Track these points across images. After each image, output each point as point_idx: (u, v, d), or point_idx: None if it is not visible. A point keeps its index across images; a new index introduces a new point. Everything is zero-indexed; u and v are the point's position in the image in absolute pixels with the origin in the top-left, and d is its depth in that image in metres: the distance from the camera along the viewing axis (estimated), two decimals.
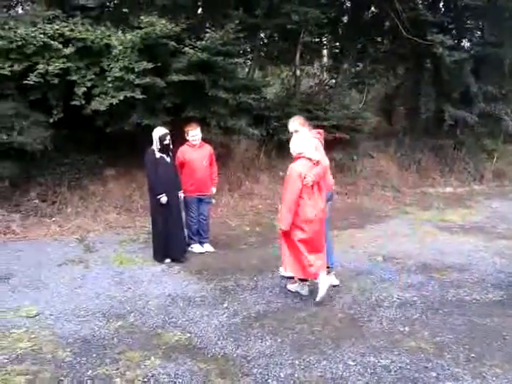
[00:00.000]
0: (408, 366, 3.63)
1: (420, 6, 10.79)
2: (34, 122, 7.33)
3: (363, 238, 7.26)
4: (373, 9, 12.64)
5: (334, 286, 5.12)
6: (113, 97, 7.23)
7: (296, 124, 5.22)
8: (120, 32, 7.57)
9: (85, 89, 7.22)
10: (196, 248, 6.48)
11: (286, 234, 4.78)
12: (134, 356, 3.74)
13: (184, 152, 6.37)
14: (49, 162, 8.05)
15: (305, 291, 5.01)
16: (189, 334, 4.14)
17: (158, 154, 5.89)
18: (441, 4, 12.95)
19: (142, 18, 7.41)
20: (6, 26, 6.96)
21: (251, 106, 9.10)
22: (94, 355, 3.76)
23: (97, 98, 7.28)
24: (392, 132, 12.85)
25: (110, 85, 7.31)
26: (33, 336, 4.07)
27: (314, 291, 4.89)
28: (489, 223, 8.32)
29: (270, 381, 3.44)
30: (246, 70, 11.29)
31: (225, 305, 4.75)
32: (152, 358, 3.71)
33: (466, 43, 13.24)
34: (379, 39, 13.20)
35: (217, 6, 9.02)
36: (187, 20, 8.31)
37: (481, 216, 8.94)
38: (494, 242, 7.09)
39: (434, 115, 12.32)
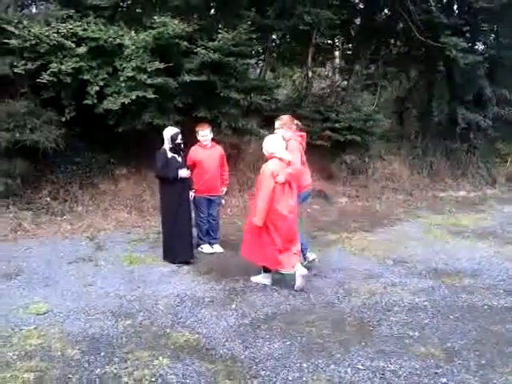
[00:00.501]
0: (417, 372, 3.59)
1: (433, 8, 10.69)
2: (47, 121, 7.37)
3: (374, 241, 7.21)
4: (386, 11, 12.57)
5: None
6: (125, 96, 7.25)
7: (277, 123, 5.63)
8: (133, 32, 7.60)
9: (97, 88, 7.25)
10: (205, 248, 6.48)
11: (260, 229, 5.07)
12: (142, 355, 3.75)
13: (195, 152, 6.38)
14: (61, 160, 8.08)
15: (269, 281, 5.31)
16: (197, 335, 4.13)
17: (169, 154, 5.89)
18: (455, 6, 12.84)
19: (154, 18, 7.43)
20: (20, 25, 7.00)
21: (262, 106, 9.07)
22: (103, 354, 3.77)
23: (109, 98, 7.31)
24: (404, 135, 12.76)
25: (123, 84, 7.33)
26: (42, 333, 4.08)
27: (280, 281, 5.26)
28: (501, 228, 8.22)
29: (277, 383, 3.43)
30: (258, 70, 11.29)
31: (233, 306, 4.74)
32: (160, 358, 3.71)
33: (480, 46, 13.12)
34: (392, 41, 13.11)
35: (229, 6, 9.01)
36: (200, 20, 8.33)
37: (493, 221, 8.83)
38: (507, 247, 6.99)
39: (446, 118, 12.24)
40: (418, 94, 13.37)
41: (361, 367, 3.65)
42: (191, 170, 6.25)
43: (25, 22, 7.06)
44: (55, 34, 7.03)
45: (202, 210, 6.43)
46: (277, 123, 5.64)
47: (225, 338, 4.09)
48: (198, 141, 6.41)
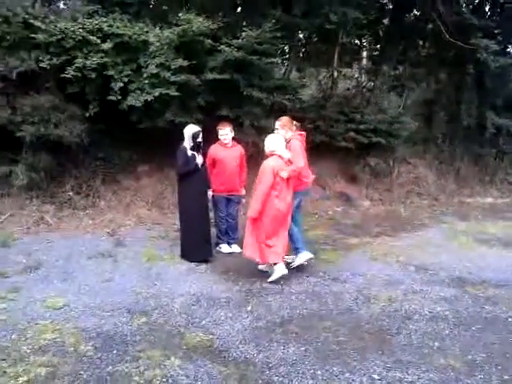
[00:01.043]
0: None
1: (464, 9, 10.43)
2: (71, 116, 7.43)
3: (396, 246, 7.03)
4: (415, 11, 12.33)
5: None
6: (148, 93, 7.26)
7: (277, 123, 5.79)
8: (157, 29, 7.59)
9: (121, 84, 7.26)
10: (224, 248, 6.44)
11: (255, 222, 5.29)
12: (154, 355, 3.71)
13: (215, 150, 6.34)
14: (84, 155, 8.16)
15: (284, 271, 5.40)
16: (211, 336, 4.09)
17: (189, 152, 5.86)
18: (486, 8, 12.51)
19: (179, 15, 7.41)
20: (47, 20, 7.06)
21: (286, 106, 8.97)
22: (115, 351, 3.75)
23: (132, 94, 7.32)
24: (431, 138, 12.50)
25: (146, 81, 7.33)
26: (57, 328, 4.10)
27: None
28: None
29: None
30: (283, 70, 11.19)
31: (249, 308, 4.68)
32: (172, 358, 3.67)
33: (511, 49, 12.77)
34: (420, 42, 12.84)
35: (255, 4, 8.94)
36: (224, 18, 8.27)
37: None
38: None
39: (475, 122, 11.92)
40: (447, 96, 13.06)
41: (376, 377, 3.54)
42: (210, 169, 6.21)
43: (51, 17, 7.12)
44: (81, 30, 7.07)
45: (220, 209, 6.39)
46: (277, 124, 5.81)
47: (239, 340, 4.04)
48: (219, 139, 6.36)
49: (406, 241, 7.41)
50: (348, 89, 12.59)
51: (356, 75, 13.23)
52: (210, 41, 7.63)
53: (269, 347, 3.93)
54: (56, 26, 6.99)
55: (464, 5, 11.02)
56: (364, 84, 12.72)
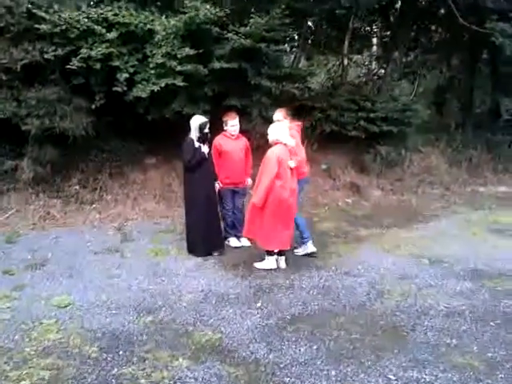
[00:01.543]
0: None
1: None
2: (76, 108, 7.29)
3: (408, 237, 6.85)
4: None
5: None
6: (154, 84, 7.10)
7: (279, 115, 5.91)
8: (163, 17, 7.40)
9: (127, 75, 7.10)
10: (232, 242, 6.30)
11: (259, 209, 5.29)
12: (161, 356, 3.60)
13: (222, 142, 6.17)
14: (90, 148, 8.03)
15: (273, 264, 5.48)
16: (220, 335, 3.97)
17: (196, 144, 5.72)
18: None
19: (185, 2, 7.21)
20: (51, 10, 6.89)
21: (295, 95, 8.77)
22: (121, 352, 3.64)
23: (138, 85, 7.16)
24: (443, 126, 12.22)
25: (152, 71, 7.17)
26: (62, 328, 4.01)
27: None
28: None
29: None
30: (292, 58, 10.96)
31: (258, 304, 4.55)
32: (180, 359, 3.56)
33: None
34: (433, 27, 12.52)
35: None
36: (232, 5, 8.06)
37: None
38: None
39: (489, 109, 11.65)
40: (459, 83, 12.78)
41: (392, 377, 3.40)
42: (216, 161, 6.07)
43: (55, 7, 6.96)
44: (85, 19, 6.91)
45: (226, 202, 6.25)
46: (279, 115, 5.93)
47: (248, 339, 3.91)
48: (224, 130, 6.20)
49: (418, 232, 7.24)
50: (358, 76, 12.35)
51: (366, 62, 12.97)
52: (217, 28, 7.44)
53: (280, 346, 3.80)
54: (60, 16, 6.83)
55: None
56: (375, 71, 12.47)
